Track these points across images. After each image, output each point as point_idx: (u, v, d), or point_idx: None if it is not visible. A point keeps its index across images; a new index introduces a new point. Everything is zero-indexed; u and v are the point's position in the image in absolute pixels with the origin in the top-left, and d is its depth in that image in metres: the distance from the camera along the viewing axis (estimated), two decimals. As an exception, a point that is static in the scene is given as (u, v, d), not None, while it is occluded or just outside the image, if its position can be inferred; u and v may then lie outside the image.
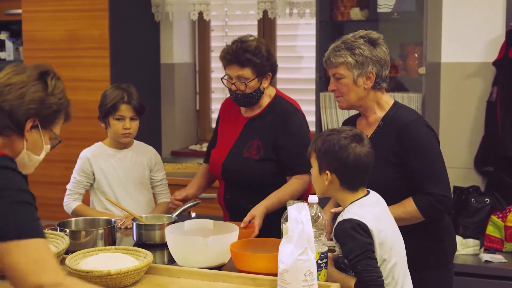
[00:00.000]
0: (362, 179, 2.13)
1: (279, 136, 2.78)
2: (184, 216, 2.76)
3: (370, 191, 2.15)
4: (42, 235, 1.67)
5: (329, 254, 2.19)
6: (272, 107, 2.84)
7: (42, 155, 1.86)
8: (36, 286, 1.60)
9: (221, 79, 2.82)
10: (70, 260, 2.15)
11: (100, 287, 1.97)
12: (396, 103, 2.52)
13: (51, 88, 1.81)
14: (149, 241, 2.56)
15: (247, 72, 2.73)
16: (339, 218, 2.08)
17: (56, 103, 1.81)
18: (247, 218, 2.61)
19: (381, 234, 2.04)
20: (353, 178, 2.11)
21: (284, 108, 2.83)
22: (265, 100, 2.85)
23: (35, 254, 1.64)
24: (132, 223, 2.62)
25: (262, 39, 2.86)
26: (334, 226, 2.09)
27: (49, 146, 1.87)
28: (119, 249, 2.29)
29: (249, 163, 2.79)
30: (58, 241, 2.31)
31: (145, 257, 2.19)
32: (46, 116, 1.82)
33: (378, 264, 2.02)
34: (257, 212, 2.62)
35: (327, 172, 2.10)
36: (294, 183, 2.76)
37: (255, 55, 2.72)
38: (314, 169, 2.16)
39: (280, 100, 2.86)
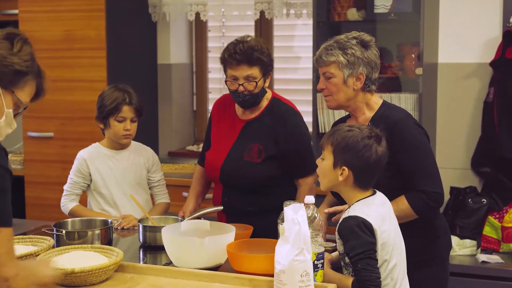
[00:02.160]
0: (375, 179, 2.14)
1: (282, 139, 2.77)
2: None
3: (377, 191, 2.16)
4: (11, 224, 1.68)
5: (326, 255, 2.19)
6: (271, 110, 2.83)
7: (3, 121, 1.74)
8: (3, 279, 1.61)
9: (225, 82, 2.77)
10: (42, 257, 2.16)
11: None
12: (384, 103, 2.53)
13: (16, 49, 1.74)
14: (154, 242, 2.56)
15: (255, 71, 2.71)
16: (345, 215, 2.09)
17: (19, 63, 1.73)
18: None
19: (384, 234, 2.04)
20: (370, 177, 2.11)
21: (284, 111, 2.82)
22: (263, 102, 2.84)
23: (9, 244, 1.64)
24: (139, 225, 2.62)
25: (259, 38, 2.85)
26: (339, 222, 2.09)
27: (11, 111, 1.76)
28: (95, 247, 2.29)
29: (251, 166, 2.77)
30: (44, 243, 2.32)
31: (117, 256, 2.18)
32: (6, 74, 1.72)
33: (379, 264, 2.02)
34: None
35: (344, 167, 2.09)
36: (306, 184, 2.81)
37: (262, 53, 2.71)
38: (327, 162, 2.14)
39: (278, 102, 2.85)
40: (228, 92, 2.88)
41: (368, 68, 2.45)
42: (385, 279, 2.05)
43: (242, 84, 2.72)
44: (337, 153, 2.11)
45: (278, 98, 2.88)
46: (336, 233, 2.09)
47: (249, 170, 2.77)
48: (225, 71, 2.78)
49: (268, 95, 2.86)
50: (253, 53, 2.68)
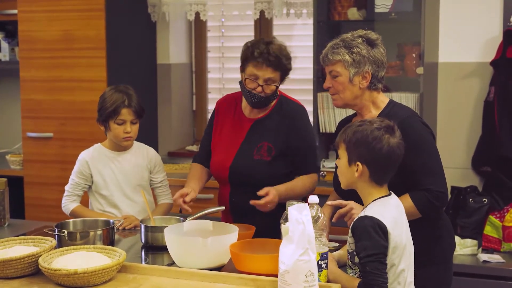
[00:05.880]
0: (391, 172, 2.11)
1: (290, 137, 2.78)
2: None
3: (392, 192, 2.15)
4: None
5: (334, 254, 2.18)
6: (279, 108, 2.83)
7: None
8: None
9: (244, 79, 2.74)
10: (44, 258, 2.15)
11: None
12: (391, 102, 2.53)
13: None
14: (156, 243, 2.55)
15: (277, 76, 2.72)
16: (361, 214, 2.07)
17: None
18: (262, 191, 2.65)
19: (396, 238, 2.03)
20: (384, 170, 2.09)
21: (292, 109, 2.82)
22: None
23: None
24: (140, 225, 2.61)
25: (282, 42, 2.82)
26: (354, 220, 2.07)
27: None
28: (97, 248, 2.28)
29: (261, 165, 2.77)
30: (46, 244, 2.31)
31: (120, 256, 2.18)
32: None
33: (388, 268, 2.01)
34: (273, 188, 2.66)
35: (358, 163, 2.08)
36: (304, 178, 2.80)
37: (287, 59, 2.73)
38: (343, 160, 2.13)
39: (286, 101, 2.86)
40: (229, 93, 2.86)
41: (374, 66, 2.45)
42: (393, 282, 2.04)
43: (261, 85, 2.71)
44: (350, 150, 2.10)
45: (286, 97, 2.88)
46: (349, 231, 2.08)
47: (260, 169, 2.76)
48: (244, 67, 2.74)
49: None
50: (282, 58, 2.70)
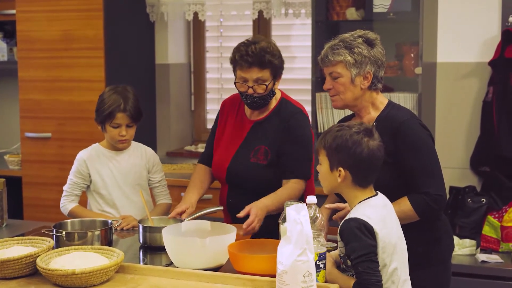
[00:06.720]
0: (374, 174, 2.11)
1: (283, 138, 2.76)
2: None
3: (379, 192, 2.14)
4: None
5: (331, 253, 2.18)
6: (278, 111, 2.81)
7: None
8: None
9: (235, 83, 2.74)
10: (42, 258, 2.15)
11: None
12: (390, 103, 2.52)
13: None
14: (154, 243, 2.54)
15: (266, 74, 2.69)
16: (347, 216, 2.08)
17: None
18: (243, 212, 2.57)
19: (385, 238, 2.03)
20: (366, 173, 2.09)
21: (290, 112, 2.79)
22: (272, 103, 2.82)
23: None
24: (138, 226, 2.61)
25: (271, 39, 2.80)
26: (340, 224, 2.08)
27: None
28: (95, 248, 2.28)
29: (256, 168, 2.76)
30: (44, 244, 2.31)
31: (118, 257, 2.17)
32: None
33: (379, 268, 2.01)
34: (255, 206, 2.58)
35: (340, 168, 2.08)
36: (290, 185, 2.73)
37: (273, 56, 2.68)
38: (324, 166, 2.12)
39: (286, 103, 2.83)
40: (227, 93, 2.85)
41: (375, 66, 2.45)
42: (386, 282, 2.04)
43: (252, 87, 2.69)
44: (330, 156, 2.10)
45: (287, 99, 2.86)
46: (338, 235, 2.08)
47: (255, 172, 2.75)
48: (234, 72, 2.74)
49: (277, 95, 2.84)
50: (265, 55, 2.65)
